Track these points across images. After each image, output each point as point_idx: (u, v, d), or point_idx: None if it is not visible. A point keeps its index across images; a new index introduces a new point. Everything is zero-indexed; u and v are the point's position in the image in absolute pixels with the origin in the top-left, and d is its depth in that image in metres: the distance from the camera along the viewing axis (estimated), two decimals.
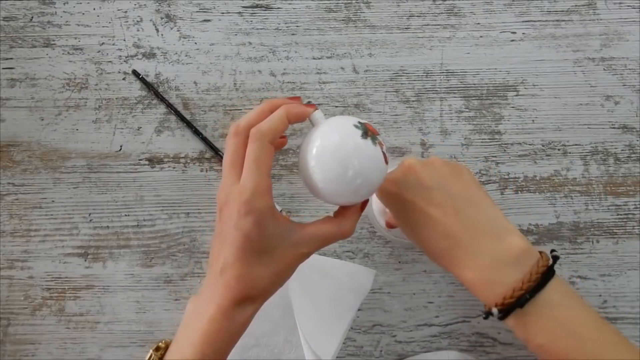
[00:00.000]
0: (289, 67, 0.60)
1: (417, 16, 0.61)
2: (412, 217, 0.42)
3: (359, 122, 0.37)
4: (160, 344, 0.39)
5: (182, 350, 0.36)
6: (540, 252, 0.40)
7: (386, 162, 0.37)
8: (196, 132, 0.59)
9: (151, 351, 0.39)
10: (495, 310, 0.38)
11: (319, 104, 0.59)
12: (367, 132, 0.36)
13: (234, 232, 0.35)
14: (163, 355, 0.38)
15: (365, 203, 0.40)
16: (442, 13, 0.61)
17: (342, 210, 0.40)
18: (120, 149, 0.59)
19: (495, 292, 0.38)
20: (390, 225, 0.50)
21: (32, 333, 0.56)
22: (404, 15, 0.61)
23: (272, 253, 0.36)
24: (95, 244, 0.57)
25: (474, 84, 0.59)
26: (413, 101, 0.59)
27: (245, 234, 0.35)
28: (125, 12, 0.62)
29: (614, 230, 0.56)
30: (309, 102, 0.41)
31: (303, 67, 0.60)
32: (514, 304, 0.38)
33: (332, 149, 0.36)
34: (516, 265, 0.39)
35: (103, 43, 0.62)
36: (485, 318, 0.40)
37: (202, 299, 0.37)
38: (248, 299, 0.36)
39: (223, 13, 0.62)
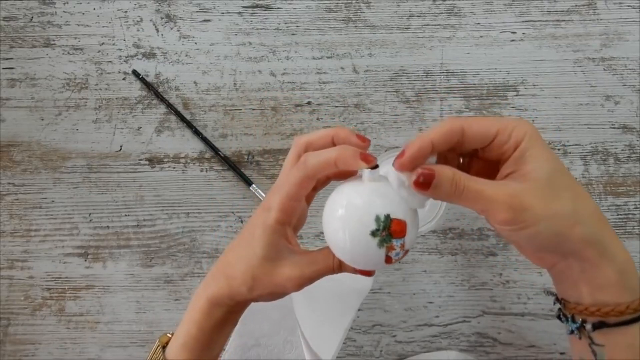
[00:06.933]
0: (289, 67, 0.60)
1: (417, 16, 0.61)
2: (574, 186, 0.37)
3: (385, 215, 0.33)
4: (168, 334, 0.39)
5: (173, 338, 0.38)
6: None
7: (389, 262, 0.34)
8: (196, 132, 0.59)
9: (158, 340, 0.39)
10: None
11: (318, 104, 0.59)
12: (381, 231, 0.33)
13: (246, 226, 0.38)
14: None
15: (341, 266, 0.39)
16: (442, 13, 0.61)
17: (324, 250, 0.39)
18: (120, 149, 0.59)
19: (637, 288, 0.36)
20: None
21: (32, 333, 0.56)
22: (404, 15, 0.61)
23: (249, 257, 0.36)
24: (95, 244, 0.57)
25: (474, 84, 0.59)
26: (413, 101, 0.59)
27: (250, 230, 0.37)
28: (125, 12, 0.62)
29: (614, 230, 0.56)
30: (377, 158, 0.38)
31: (303, 67, 0.60)
32: None
33: (337, 223, 0.34)
34: None
35: (103, 43, 0.62)
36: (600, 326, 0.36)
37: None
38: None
39: (223, 13, 0.62)
